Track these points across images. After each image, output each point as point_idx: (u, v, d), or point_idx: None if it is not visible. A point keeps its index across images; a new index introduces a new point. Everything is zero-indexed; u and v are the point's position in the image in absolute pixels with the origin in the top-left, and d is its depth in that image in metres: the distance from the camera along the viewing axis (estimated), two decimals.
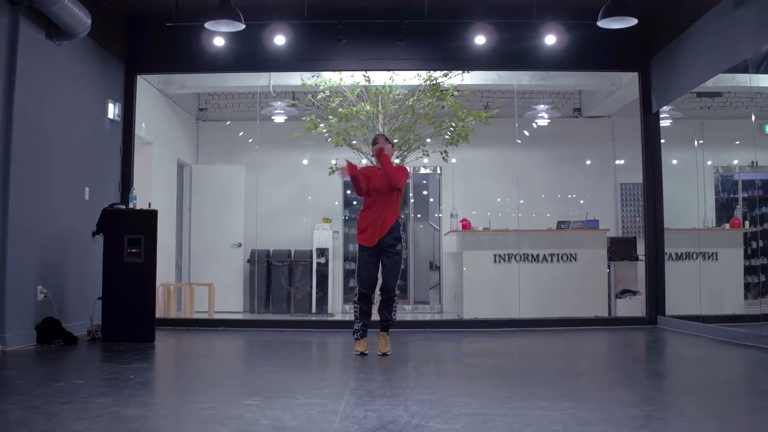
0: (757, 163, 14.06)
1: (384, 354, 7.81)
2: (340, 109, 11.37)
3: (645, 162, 11.55)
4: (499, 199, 14.95)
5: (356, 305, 7.97)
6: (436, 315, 14.52)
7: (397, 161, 10.52)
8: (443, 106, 11.60)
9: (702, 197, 14.19)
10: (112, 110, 10.68)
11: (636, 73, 11.72)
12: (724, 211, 14.60)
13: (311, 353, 9.22)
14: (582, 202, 14.88)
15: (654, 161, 11.51)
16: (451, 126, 11.48)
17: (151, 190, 12.39)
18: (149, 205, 9.58)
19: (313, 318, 13.45)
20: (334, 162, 12.04)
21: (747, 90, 13.18)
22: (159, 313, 12.29)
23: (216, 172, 14.66)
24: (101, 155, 10.60)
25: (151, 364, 7.48)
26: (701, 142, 13.19)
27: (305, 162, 15.01)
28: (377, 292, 8.11)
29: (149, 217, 9.33)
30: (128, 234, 9.13)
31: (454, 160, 14.58)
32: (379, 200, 7.89)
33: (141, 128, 11.99)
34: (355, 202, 15.36)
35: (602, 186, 15.08)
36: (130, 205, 9.57)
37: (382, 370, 7.10)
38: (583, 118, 15.18)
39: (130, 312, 9.05)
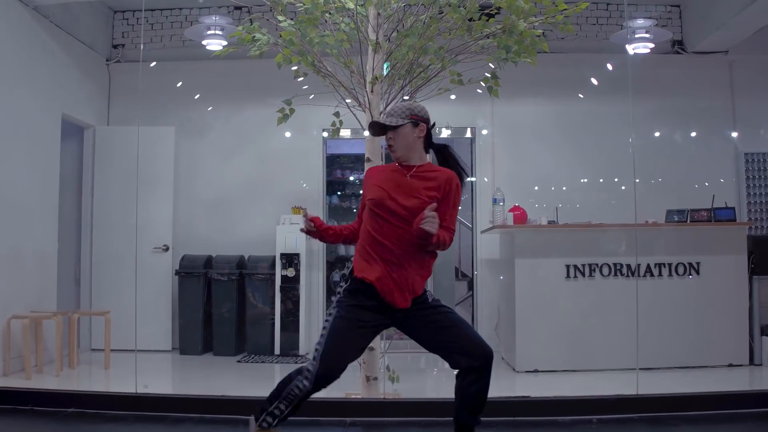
0: None
1: None
2: (300, 4, 6.14)
3: None
4: (568, 180, 9.93)
5: (302, 386, 4.24)
6: None
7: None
8: (488, 1, 6.26)
9: None
10: None
11: None
12: None
13: None
14: (692, 179, 9.95)
15: None
16: (501, 32, 6.11)
17: None
18: None
19: (275, 370, 8.44)
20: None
21: None
22: (17, 364, 7.59)
23: (130, 136, 9.50)
24: None
25: None
26: None
27: (287, 135, 9.65)
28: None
29: None
30: None
31: (485, 132, 9.51)
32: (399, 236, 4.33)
33: None
34: (341, 190, 10.37)
35: (716, 157, 10.09)
36: None
37: None
38: (688, 54, 10.06)
39: None
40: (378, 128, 4.48)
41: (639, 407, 6.06)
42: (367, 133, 5.87)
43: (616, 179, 9.73)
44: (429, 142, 4.53)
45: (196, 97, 9.98)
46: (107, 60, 10.18)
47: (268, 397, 4.32)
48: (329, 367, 4.22)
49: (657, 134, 9.99)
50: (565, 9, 5.98)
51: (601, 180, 9.77)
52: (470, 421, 4.36)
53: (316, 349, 4.23)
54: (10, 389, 6.72)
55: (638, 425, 5.76)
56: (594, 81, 9.53)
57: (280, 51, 6.16)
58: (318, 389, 4.25)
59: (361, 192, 4.72)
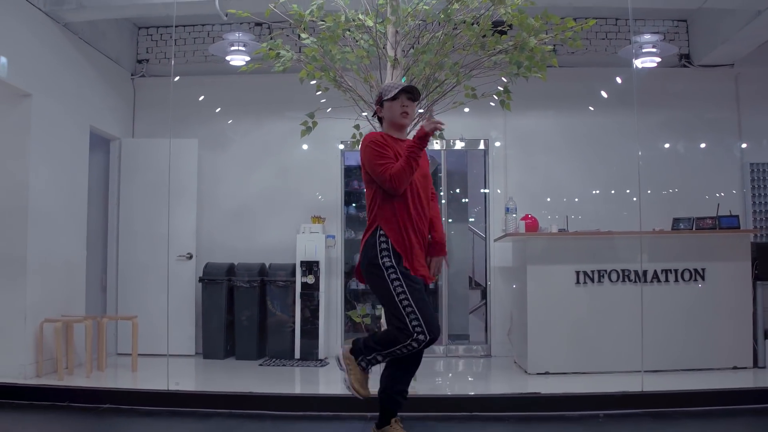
0: None
1: None
2: (322, 23, 6.48)
3: None
4: (578, 190, 10.17)
5: (411, 347, 4.75)
6: (479, 362, 9.70)
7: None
8: (500, 19, 6.59)
9: None
10: None
11: None
12: None
13: None
14: (699, 188, 10.15)
15: None
16: (513, 49, 6.42)
17: (28, 170, 7.84)
18: None
19: (296, 372, 8.73)
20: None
21: None
22: (49, 366, 7.92)
23: (155, 148, 9.91)
24: None
25: None
26: None
27: (305, 147, 9.98)
28: None
29: None
30: None
31: (498, 144, 9.88)
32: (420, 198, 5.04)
33: None
34: (358, 201, 10.65)
35: (722, 168, 10.30)
36: None
37: None
38: (695, 67, 10.33)
39: None
40: (410, 93, 5.01)
41: (643, 403, 6.34)
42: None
43: (628, 190, 9.97)
44: None
45: (218, 110, 10.34)
46: (132, 74, 10.53)
47: (363, 345, 4.88)
48: (434, 329, 4.72)
49: (666, 145, 10.25)
50: (574, 26, 6.30)
51: (613, 191, 10.01)
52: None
53: (414, 318, 4.66)
54: (48, 386, 7.09)
55: (643, 419, 6.03)
56: (604, 94, 9.83)
57: (303, 67, 6.49)
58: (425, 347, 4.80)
59: None
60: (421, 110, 6.69)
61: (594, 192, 10.09)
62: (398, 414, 5.05)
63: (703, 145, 10.30)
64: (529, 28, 6.18)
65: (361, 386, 4.92)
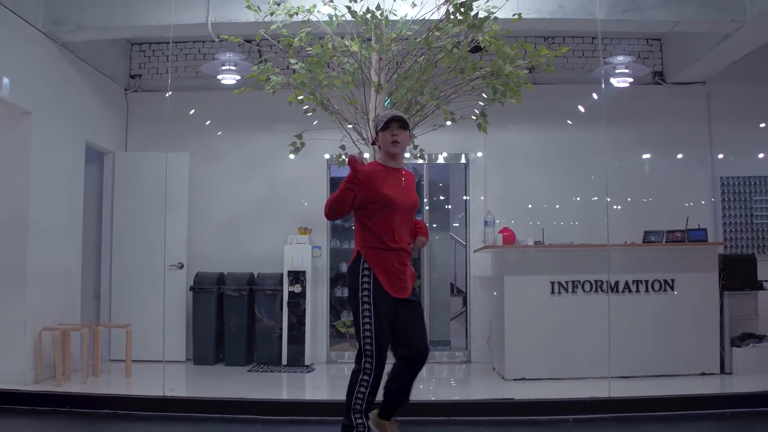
0: None
1: None
2: (310, 49, 6.88)
3: None
4: (554, 203, 10.54)
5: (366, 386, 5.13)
6: (461, 367, 10.09)
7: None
8: (477, 44, 6.98)
9: None
10: None
11: None
12: None
13: None
14: (671, 202, 10.51)
15: None
16: (489, 75, 6.82)
17: (29, 185, 8.18)
18: None
19: (283, 377, 9.09)
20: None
21: None
22: (47, 372, 8.26)
23: (148, 162, 10.27)
24: None
25: None
26: None
27: (291, 157, 10.29)
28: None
29: None
30: None
31: (480, 154, 10.22)
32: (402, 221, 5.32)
33: (1, 87, 7.66)
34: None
35: (694, 181, 10.72)
36: None
37: None
38: (668, 85, 10.78)
39: None
40: (399, 122, 5.26)
41: (611, 408, 6.75)
42: (366, 155, 6.55)
43: (608, 199, 10.35)
44: None
45: (207, 123, 10.68)
46: (125, 89, 10.88)
47: (346, 419, 5.16)
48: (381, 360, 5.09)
49: (646, 156, 10.66)
50: (547, 54, 6.72)
51: (588, 203, 10.40)
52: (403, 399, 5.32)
53: (372, 347, 5.04)
54: (49, 392, 7.45)
55: (609, 424, 6.44)
56: (581, 108, 10.23)
57: (293, 91, 6.88)
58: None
59: None
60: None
61: (570, 203, 10.46)
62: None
63: (678, 157, 10.68)
64: (505, 56, 6.59)
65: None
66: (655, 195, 10.50)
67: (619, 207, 10.10)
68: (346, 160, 5.07)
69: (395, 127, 5.23)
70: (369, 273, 5.10)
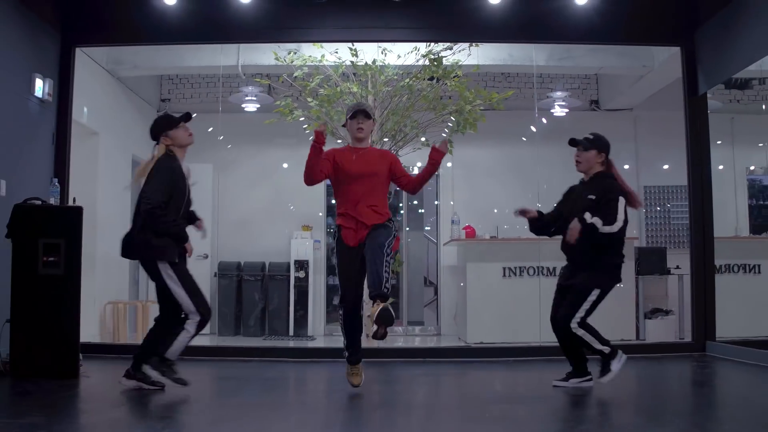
0: None
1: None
2: (321, 90, 9.36)
3: (691, 155, 9.50)
4: (507, 206, 12.91)
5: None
6: (433, 338, 12.51)
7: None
8: (445, 90, 9.56)
9: (733, 202, 12.53)
10: (41, 87, 8.64)
11: (677, 49, 9.74)
12: (760, 218, 12.94)
13: (287, 394, 7.20)
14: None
15: (702, 154, 9.47)
16: (454, 111, 9.38)
17: (97, 189, 10.51)
18: (73, 200, 7.51)
19: (291, 344, 11.44)
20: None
21: None
22: (107, 337, 10.47)
23: None
24: (26, 141, 8.55)
25: (50, 418, 5.20)
26: (729, 139, 12.51)
27: (285, 166, 12.94)
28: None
29: (71, 215, 7.27)
30: (44, 238, 7.05)
31: (449, 165, 12.62)
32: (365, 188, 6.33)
33: (82, 114, 10.01)
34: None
35: None
36: (51, 201, 7.48)
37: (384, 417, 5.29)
38: (602, 111, 13.26)
39: (47, 338, 6.99)
40: (361, 113, 6.35)
41: (541, 352, 9.09)
42: None
43: (543, 204, 12.64)
44: None
45: (221, 138, 12.94)
46: (158, 110, 13.19)
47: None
48: (347, 297, 6.19)
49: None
50: (497, 97, 9.20)
51: (539, 205, 12.73)
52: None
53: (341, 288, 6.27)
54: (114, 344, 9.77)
55: (539, 364, 8.79)
56: (533, 128, 12.64)
57: (310, 123, 9.30)
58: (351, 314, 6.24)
59: None
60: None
61: (517, 204, 12.75)
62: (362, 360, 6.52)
63: None
64: (465, 99, 9.08)
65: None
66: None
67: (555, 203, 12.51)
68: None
69: (360, 116, 6.33)
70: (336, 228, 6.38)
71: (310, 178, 6.23)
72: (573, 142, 7.02)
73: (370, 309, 6.35)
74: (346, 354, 6.42)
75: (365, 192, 6.26)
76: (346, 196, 6.29)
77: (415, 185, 6.56)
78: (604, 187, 6.83)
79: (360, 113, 6.33)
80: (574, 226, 6.56)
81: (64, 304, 7.06)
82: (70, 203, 7.50)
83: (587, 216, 6.52)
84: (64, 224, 7.18)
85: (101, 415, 5.62)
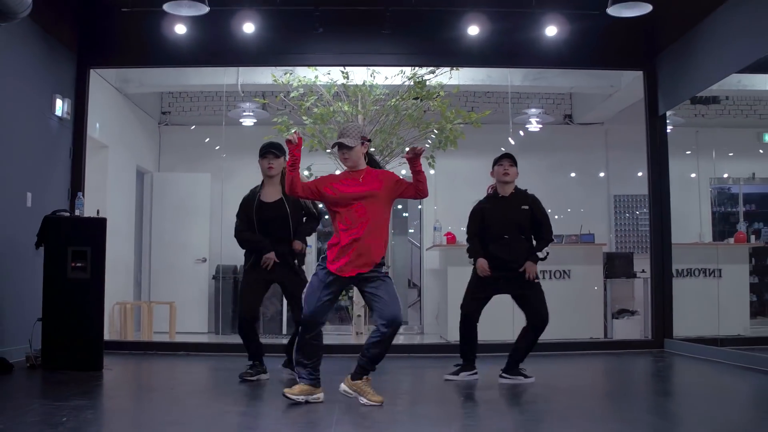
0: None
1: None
2: (315, 109, 10.27)
3: (651, 169, 10.54)
4: None
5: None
6: (417, 336, 13.40)
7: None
8: (428, 108, 10.51)
9: (697, 210, 13.43)
10: (61, 106, 9.54)
11: (640, 72, 10.74)
12: (723, 225, 13.79)
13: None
14: (573, 213, 13.75)
15: (661, 168, 10.46)
16: (435, 129, 10.34)
17: (107, 199, 11.30)
18: (97, 212, 8.39)
19: (284, 341, 12.27)
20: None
21: (752, 94, 12.41)
22: (115, 335, 11.29)
23: (179, 180, 13.50)
24: (47, 156, 9.46)
25: (91, 401, 6.27)
26: (694, 151, 12.92)
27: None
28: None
29: (97, 226, 8.19)
30: (72, 246, 7.96)
31: (432, 172, 13.49)
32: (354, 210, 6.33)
33: (95, 129, 10.87)
34: (327, 216, 14.20)
35: (594, 198, 14.16)
36: (76, 213, 8.36)
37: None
38: (575, 125, 14.22)
39: (75, 335, 7.90)
40: (339, 147, 6.16)
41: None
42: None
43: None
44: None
45: (217, 148, 13.79)
46: (159, 123, 14.06)
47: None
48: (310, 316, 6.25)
49: (554, 181, 13.94)
50: (476, 117, 10.11)
51: None
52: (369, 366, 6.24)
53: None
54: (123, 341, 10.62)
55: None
56: (511, 141, 13.55)
57: (306, 140, 10.19)
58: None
59: None
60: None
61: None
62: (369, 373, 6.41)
63: (578, 181, 14.08)
64: (447, 118, 9.99)
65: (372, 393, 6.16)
66: (563, 208, 13.71)
67: None
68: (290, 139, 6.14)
69: (341, 147, 6.15)
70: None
71: (291, 190, 6.25)
72: (509, 156, 8.11)
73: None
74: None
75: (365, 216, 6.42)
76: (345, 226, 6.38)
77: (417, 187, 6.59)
78: (533, 199, 8.09)
79: (339, 148, 6.24)
80: (531, 268, 8.13)
81: (89, 305, 7.97)
82: (94, 215, 8.30)
83: (542, 254, 8.01)
84: (89, 233, 8.06)
85: (131, 399, 6.66)
